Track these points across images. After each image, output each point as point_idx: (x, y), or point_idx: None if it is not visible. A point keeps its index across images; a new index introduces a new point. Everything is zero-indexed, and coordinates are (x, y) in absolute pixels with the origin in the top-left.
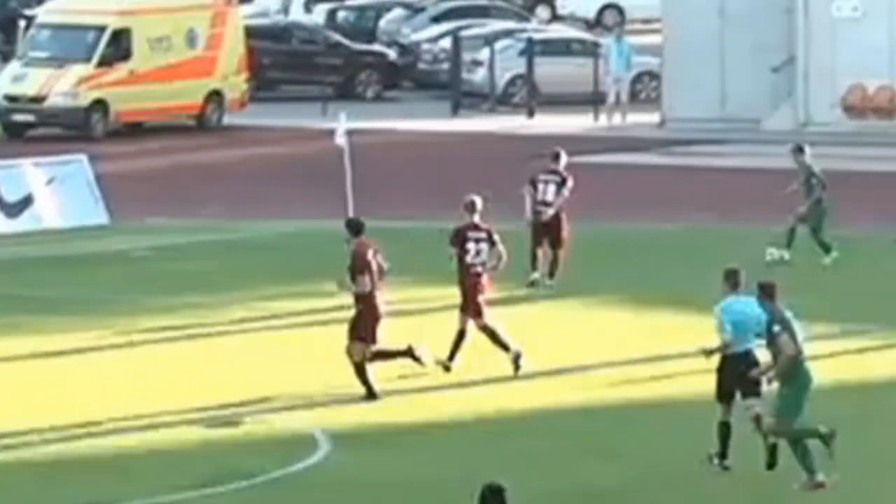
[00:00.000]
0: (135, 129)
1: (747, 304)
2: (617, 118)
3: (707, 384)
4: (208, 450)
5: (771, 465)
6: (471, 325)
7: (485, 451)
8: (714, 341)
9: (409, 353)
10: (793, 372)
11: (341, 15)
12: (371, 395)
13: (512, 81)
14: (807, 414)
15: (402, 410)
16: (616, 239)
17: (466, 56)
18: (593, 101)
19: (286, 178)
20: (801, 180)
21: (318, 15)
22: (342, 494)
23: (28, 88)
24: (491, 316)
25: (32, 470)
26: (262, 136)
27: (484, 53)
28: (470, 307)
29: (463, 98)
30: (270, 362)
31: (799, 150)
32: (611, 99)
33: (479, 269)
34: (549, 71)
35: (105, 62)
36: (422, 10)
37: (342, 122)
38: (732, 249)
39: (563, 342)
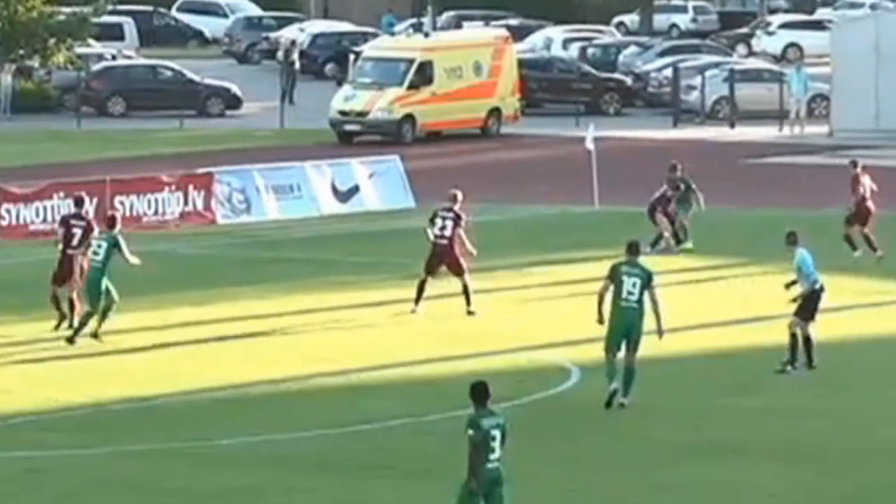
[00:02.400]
0: (434, 137)
1: (808, 255)
2: (796, 129)
3: None
4: (485, 378)
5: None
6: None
7: (701, 381)
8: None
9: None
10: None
11: (590, 51)
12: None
13: (718, 101)
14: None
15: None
16: (793, 219)
17: (684, 82)
18: (779, 116)
19: (548, 173)
20: (675, 189)
21: (573, 51)
22: (588, 413)
23: (356, 105)
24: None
25: (348, 390)
26: (530, 142)
27: (697, 80)
28: (427, 266)
29: (681, 114)
30: (533, 312)
31: (673, 167)
32: (792, 115)
33: (443, 241)
34: (746, 93)
35: (413, 86)
36: (651, 47)
37: (590, 132)
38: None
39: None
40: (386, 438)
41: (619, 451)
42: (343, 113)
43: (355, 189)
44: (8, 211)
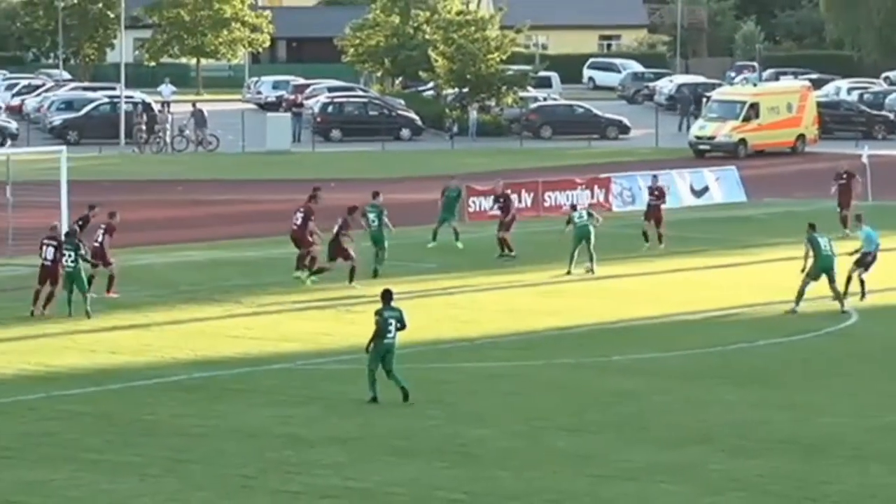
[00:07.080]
0: (760, 153)
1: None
2: None
3: None
4: (794, 318)
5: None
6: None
7: None
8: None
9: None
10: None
11: (866, 96)
12: None
13: None
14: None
15: None
16: None
17: None
18: None
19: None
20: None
21: (854, 96)
22: (858, 342)
23: (706, 132)
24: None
25: (703, 324)
26: (825, 157)
27: None
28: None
29: None
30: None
31: (375, 194)
32: None
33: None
34: None
35: (746, 119)
36: None
37: (866, 151)
38: None
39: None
40: (730, 357)
41: (878, 368)
42: (698, 137)
43: (706, 189)
44: (473, 202)
